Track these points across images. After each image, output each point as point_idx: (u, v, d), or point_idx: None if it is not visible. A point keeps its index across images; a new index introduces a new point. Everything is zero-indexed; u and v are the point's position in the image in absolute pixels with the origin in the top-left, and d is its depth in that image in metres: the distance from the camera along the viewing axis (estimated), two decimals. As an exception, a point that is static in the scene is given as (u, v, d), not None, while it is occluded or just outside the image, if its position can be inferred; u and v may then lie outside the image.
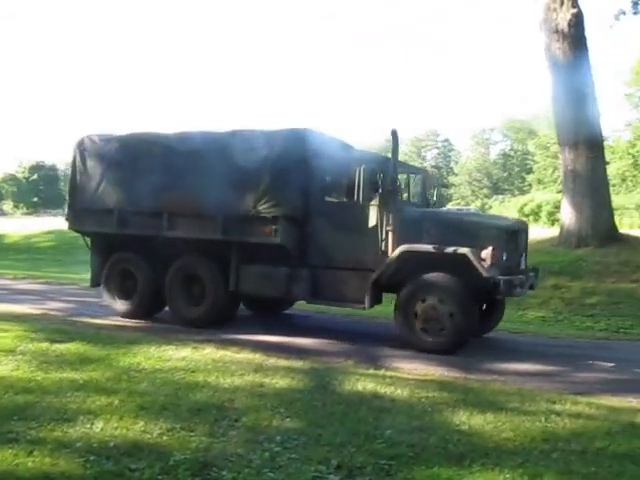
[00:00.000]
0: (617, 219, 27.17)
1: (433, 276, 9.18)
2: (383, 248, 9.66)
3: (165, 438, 4.76)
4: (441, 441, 4.91)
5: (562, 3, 16.57)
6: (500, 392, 6.66)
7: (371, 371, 7.47)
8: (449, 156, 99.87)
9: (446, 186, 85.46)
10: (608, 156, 49.75)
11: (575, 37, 16.51)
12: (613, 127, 74.27)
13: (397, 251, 9.40)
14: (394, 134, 9.80)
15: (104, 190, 11.39)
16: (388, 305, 10.23)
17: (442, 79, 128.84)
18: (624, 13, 22.08)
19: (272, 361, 7.63)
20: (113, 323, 10.75)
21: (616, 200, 38.79)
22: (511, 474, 4.30)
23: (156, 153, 11.07)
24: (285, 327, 11.11)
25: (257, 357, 7.86)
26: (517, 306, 13.38)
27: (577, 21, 16.59)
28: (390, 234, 9.62)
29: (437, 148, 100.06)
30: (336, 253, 10.04)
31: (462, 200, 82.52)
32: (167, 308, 11.25)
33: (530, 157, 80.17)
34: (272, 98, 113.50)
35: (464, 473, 4.31)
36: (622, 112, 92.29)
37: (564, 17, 16.45)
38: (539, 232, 20.62)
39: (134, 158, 11.25)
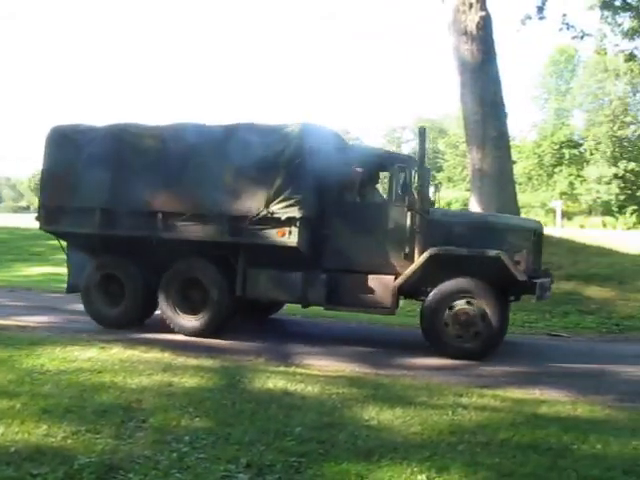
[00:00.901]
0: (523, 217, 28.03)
1: (464, 280, 8.94)
2: (407, 251, 9.29)
3: (69, 441, 4.60)
4: (350, 437, 4.93)
5: (471, 6, 16.89)
6: (409, 387, 6.76)
7: (282, 368, 7.47)
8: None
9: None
10: (515, 155, 51.39)
11: (483, 39, 16.86)
12: (520, 127, 76.69)
13: (426, 254, 9.01)
14: (422, 132, 9.70)
15: (84, 186, 10.22)
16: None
17: (354, 77, 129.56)
18: (530, 18, 22.77)
19: (181, 360, 7.51)
20: (15, 323, 10.25)
21: (522, 198, 40.09)
22: (419, 467, 4.35)
23: (148, 147, 10.15)
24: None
25: (166, 356, 7.72)
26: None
27: (485, 24, 16.94)
28: (417, 236, 9.21)
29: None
30: (354, 256, 9.51)
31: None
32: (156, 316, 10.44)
33: (440, 156, 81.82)
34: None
35: (373, 468, 4.34)
36: (529, 113, 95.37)
37: (472, 19, 16.77)
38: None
39: (121, 151, 10.25)
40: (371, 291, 9.29)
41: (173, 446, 4.59)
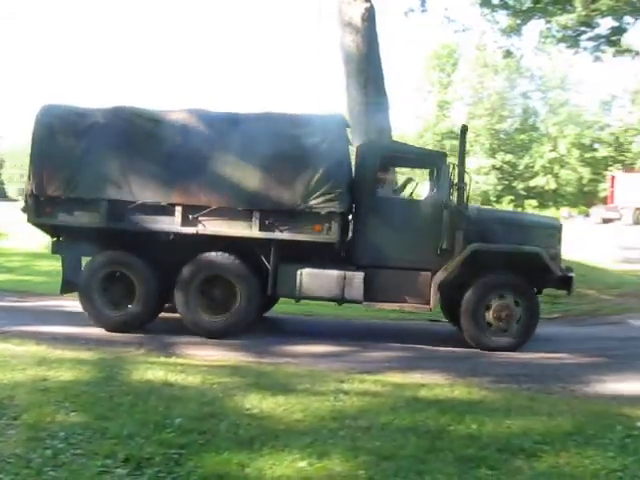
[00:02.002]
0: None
1: (505, 275, 9.25)
2: (444, 247, 9.20)
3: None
4: (232, 426, 4.88)
5: (355, -3, 17.03)
6: (292, 374, 6.77)
7: (162, 359, 7.30)
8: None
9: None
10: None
11: (367, 31, 17.04)
12: (405, 118, 78.34)
13: (467, 250, 9.09)
14: (463, 131, 9.62)
15: (87, 175, 9.20)
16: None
17: (242, 69, 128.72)
18: (413, 10, 23.23)
19: (57, 353, 7.20)
20: None
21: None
22: (300, 454, 4.36)
23: (165, 133, 9.31)
24: (78, 318, 10.08)
25: (41, 349, 7.37)
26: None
27: (369, 15, 17.12)
28: (457, 233, 9.20)
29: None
30: (389, 252, 9.30)
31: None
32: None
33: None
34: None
35: (254, 457, 4.31)
36: (413, 105, 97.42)
37: (357, 11, 16.92)
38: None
39: (132, 137, 9.30)
40: (411, 287, 9.29)
41: (47, 443, 4.39)
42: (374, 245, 9.33)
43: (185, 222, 9.09)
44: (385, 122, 17.16)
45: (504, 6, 26.88)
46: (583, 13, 29.28)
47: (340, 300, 9.51)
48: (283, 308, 11.19)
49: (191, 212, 9.08)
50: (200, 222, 9.12)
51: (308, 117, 9.32)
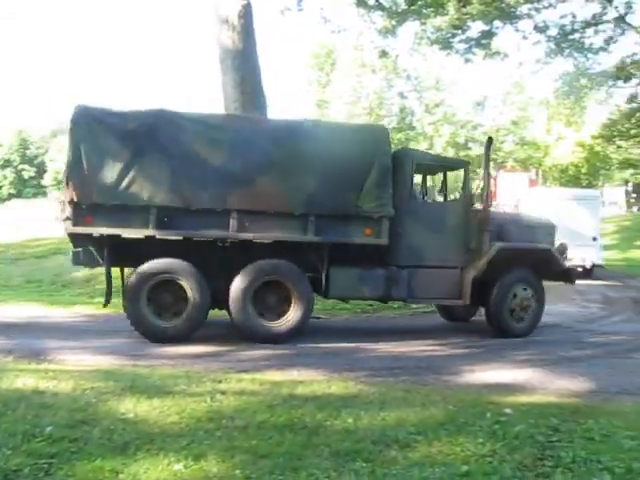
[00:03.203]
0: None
1: (525, 269, 10.51)
2: (472, 246, 10.15)
3: None
4: (105, 432, 4.74)
5: (232, -7, 16.91)
6: (168, 376, 6.64)
7: (32, 366, 7.04)
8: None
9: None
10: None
11: (244, 28, 16.96)
12: (283, 117, 78.46)
13: (494, 249, 10.08)
14: (489, 141, 10.52)
15: (134, 181, 8.81)
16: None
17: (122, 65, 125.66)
18: (289, 9, 23.31)
19: None
20: None
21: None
22: (176, 457, 4.30)
23: (220, 138, 9.14)
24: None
25: None
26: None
27: (246, 12, 17.05)
28: (485, 233, 10.12)
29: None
30: (424, 252, 10.03)
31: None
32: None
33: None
34: None
35: (128, 462, 4.21)
36: (292, 103, 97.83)
37: (233, 7, 16.81)
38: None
39: (182, 142, 9.03)
40: (444, 284, 10.10)
41: None
42: (412, 246, 10.00)
43: (241, 228, 9.08)
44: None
45: (380, 7, 27.46)
46: (455, 16, 30.40)
47: (387, 299, 10.39)
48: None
49: (247, 218, 9.10)
50: (256, 228, 9.16)
51: (359, 126, 10.25)
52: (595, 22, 34.33)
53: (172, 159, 8.95)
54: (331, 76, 64.31)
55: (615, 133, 45.60)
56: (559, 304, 14.31)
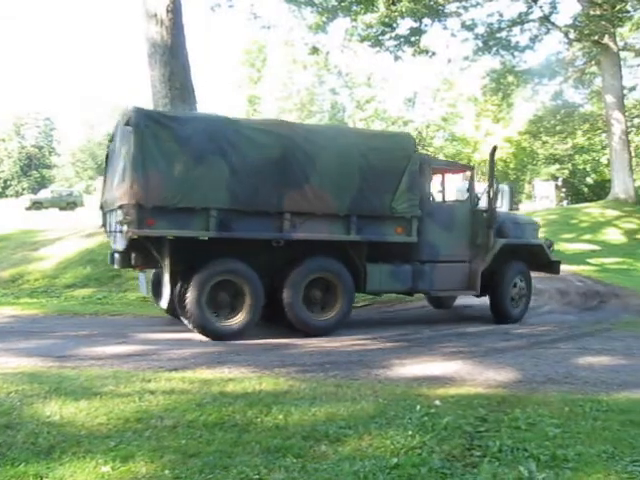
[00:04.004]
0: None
1: (520, 263, 11.95)
2: (479, 242, 11.36)
3: None
4: (30, 436, 4.61)
5: (161, -12, 16.66)
6: (96, 377, 6.49)
7: (-47, 370, 6.77)
8: (51, 135, 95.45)
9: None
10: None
11: (173, 23, 16.74)
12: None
13: (498, 244, 11.40)
14: (493, 150, 11.64)
15: (195, 184, 8.92)
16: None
17: (50, 59, 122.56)
18: (219, 6, 23.18)
19: None
20: None
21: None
22: (103, 459, 4.21)
23: (271, 143, 9.48)
24: None
25: None
26: (118, 288, 13.35)
27: (175, 7, 16.83)
28: (490, 231, 11.33)
29: (38, 127, 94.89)
30: (440, 248, 11.06)
31: (66, 182, 79.72)
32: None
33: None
34: None
35: (54, 466, 4.10)
36: (224, 99, 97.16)
37: (162, 2, 16.57)
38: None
39: (240, 147, 9.28)
40: (457, 276, 11.28)
41: None
42: (430, 243, 10.97)
43: (293, 229, 9.58)
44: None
45: (309, 3, 27.52)
46: (385, 14, 30.68)
47: (413, 292, 11.36)
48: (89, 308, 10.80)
49: (297, 219, 9.61)
50: (307, 228, 9.72)
51: (391, 134, 11.14)
52: (521, 21, 35.19)
53: (229, 163, 9.21)
54: (262, 72, 64.07)
55: (541, 129, 46.82)
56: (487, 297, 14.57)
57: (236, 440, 4.66)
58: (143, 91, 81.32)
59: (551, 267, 12.59)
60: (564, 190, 58.52)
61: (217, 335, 9.35)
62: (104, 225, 11.07)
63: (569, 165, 58.32)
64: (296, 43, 36.10)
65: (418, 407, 5.57)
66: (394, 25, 32.40)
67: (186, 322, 9.63)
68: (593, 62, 38.92)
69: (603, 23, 33.09)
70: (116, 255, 9.87)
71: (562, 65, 40.18)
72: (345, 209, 9.93)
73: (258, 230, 9.43)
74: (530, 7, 34.68)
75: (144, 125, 8.82)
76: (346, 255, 10.27)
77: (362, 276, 10.41)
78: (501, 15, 34.68)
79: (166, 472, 4.09)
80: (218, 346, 8.73)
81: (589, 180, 59.69)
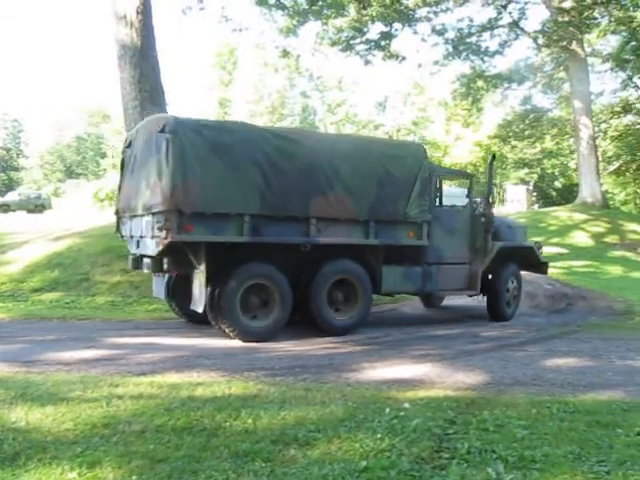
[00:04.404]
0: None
1: (514, 265, 12.76)
2: (477, 245, 12.15)
3: None
4: (-6, 442, 4.55)
5: (130, -11, 16.55)
6: (63, 382, 6.42)
7: None
8: (19, 137, 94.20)
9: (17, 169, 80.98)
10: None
11: (143, 25, 16.63)
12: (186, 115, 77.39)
13: (496, 247, 12.20)
14: (492, 158, 12.82)
15: (231, 190, 9.21)
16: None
17: (18, 60, 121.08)
18: (190, 8, 23.08)
19: None
20: None
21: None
22: (70, 465, 4.17)
23: (301, 152, 9.92)
24: None
25: None
26: (86, 292, 13.21)
27: (145, 8, 16.73)
28: (487, 235, 12.17)
29: (5, 129, 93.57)
30: (444, 251, 11.71)
31: (34, 184, 78.78)
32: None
33: (104, 141, 79.77)
34: None
35: (19, 472, 4.06)
36: (195, 102, 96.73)
37: (132, 4, 16.47)
38: (114, 216, 20.61)
39: (271, 155, 9.63)
40: (458, 277, 11.97)
41: None
42: (436, 246, 11.54)
43: (318, 233, 10.00)
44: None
45: (280, 7, 27.51)
46: (355, 18, 30.80)
47: (422, 292, 12.17)
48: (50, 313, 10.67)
49: (322, 224, 10.04)
50: (329, 232, 10.13)
51: (404, 143, 12.26)
52: (491, 26, 35.54)
53: (261, 170, 9.51)
54: (234, 75, 63.91)
55: (510, 134, 47.23)
56: (457, 299, 14.71)
57: (205, 445, 4.64)
58: (113, 93, 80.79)
59: (540, 268, 13.53)
60: (535, 194, 59.14)
61: (250, 336, 9.62)
62: (118, 230, 11.41)
63: (538, 169, 58.93)
64: (267, 46, 36.01)
65: (387, 410, 5.59)
66: (364, 29, 32.55)
67: (215, 324, 9.90)
68: (561, 68, 39.42)
69: (571, 29, 33.53)
70: (146, 260, 10.00)
71: (531, 70, 40.62)
72: (364, 214, 10.44)
73: (287, 235, 9.80)
74: (500, 13, 35.05)
75: (182, 133, 8.98)
76: (364, 258, 10.78)
77: (378, 278, 10.94)
78: (471, 20, 35.01)
79: (134, 478, 4.06)
80: (187, 350, 8.66)
81: (557, 184, 60.39)
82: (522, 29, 36.04)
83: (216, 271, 9.48)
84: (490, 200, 12.34)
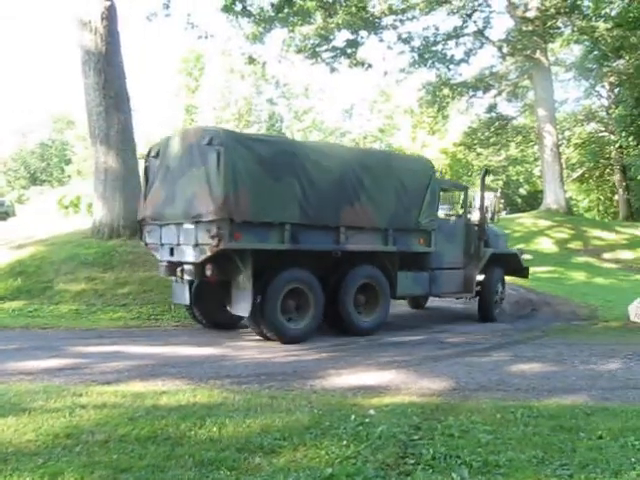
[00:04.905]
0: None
1: (500, 270, 14.00)
2: (471, 252, 13.42)
3: None
4: (-46, 455, 4.46)
5: (94, -5, 16.40)
6: (25, 392, 6.29)
7: None
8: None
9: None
10: (145, 150, 51.41)
11: (107, 30, 16.50)
12: (152, 122, 76.86)
13: (488, 254, 13.49)
14: (484, 173, 14.99)
15: (274, 201, 9.88)
16: None
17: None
18: (156, 15, 22.93)
19: None
20: None
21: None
22: (31, 476, 4.11)
23: (330, 165, 10.64)
24: None
25: None
26: (49, 300, 13.03)
27: (110, 14, 16.60)
28: (480, 242, 13.51)
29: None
30: (444, 257, 12.75)
31: (-3, 191, 77.57)
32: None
33: (69, 148, 78.85)
34: None
35: (-22, 486, 3.99)
36: (162, 108, 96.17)
37: (96, 9, 16.33)
38: (78, 223, 20.45)
39: (308, 168, 10.32)
40: (455, 281, 13.10)
41: None
42: (438, 253, 12.47)
43: (346, 241, 10.77)
44: (127, 124, 16.78)
45: (247, 14, 27.46)
46: (321, 25, 30.89)
47: (428, 295, 13.64)
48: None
49: (350, 232, 10.83)
50: (357, 240, 10.97)
51: (416, 157, 13.13)
52: (456, 35, 35.91)
53: (300, 182, 10.17)
54: (200, 81, 63.61)
55: (475, 141, 47.67)
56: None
57: (169, 454, 4.60)
58: (77, 98, 79.89)
59: (522, 272, 14.90)
60: (502, 201, 59.64)
61: (289, 338, 10.21)
62: (141, 238, 11.59)
63: (503, 176, 59.46)
64: (234, 53, 35.96)
65: (353, 417, 5.59)
66: (331, 37, 32.66)
67: (253, 328, 10.49)
68: (526, 76, 39.90)
69: (535, 38, 34.06)
70: (187, 267, 10.26)
71: (496, 79, 41.08)
72: (385, 223, 11.33)
73: (321, 242, 10.58)
74: (465, 22, 35.44)
75: (232, 145, 9.50)
76: (383, 264, 11.60)
77: (394, 282, 11.80)
78: (437, 29, 35.35)
79: (96, 488, 4.01)
80: (152, 359, 8.57)
81: (522, 191, 61.02)
82: (487, 38, 36.47)
83: (259, 277, 9.98)
84: (482, 210, 13.64)
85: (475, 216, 13.92)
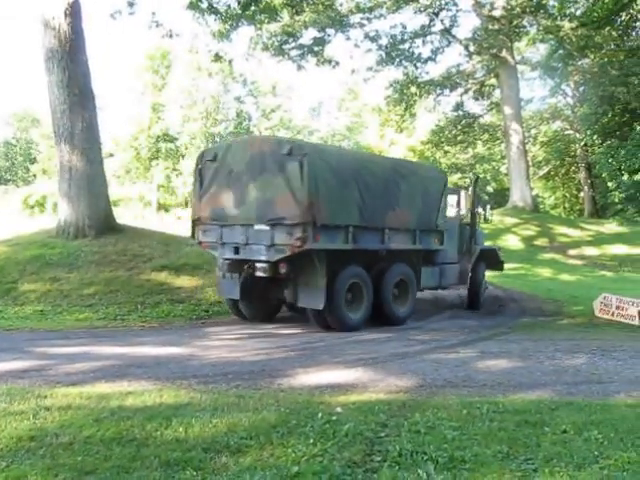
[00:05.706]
0: (120, 210, 28.08)
1: (483, 263, 15.56)
2: (464, 249, 14.92)
3: None
4: None
5: (58, -8, 16.18)
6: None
7: None
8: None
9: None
10: (112, 148, 50.98)
11: (71, 27, 16.28)
12: (118, 120, 76.10)
13: (477, 250, 15.15)
14: (476, 179, 16.86)
15: (342, 206, 11.16)
16: None
17: None
18: (120, 13, 22.67)
19: None
20: None
21: (121, 191, 40.02)
22: (-7, 479, 4.06)
23: (378, 173, 12.08)
24: None
25: None
26: (13, 301, 12.84)
27: (73, 11, 16.40)
28: (472, 240, 15.07)
29: None
30: (446, 253, 13.98)
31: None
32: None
33: (34, 146, 77.78)
34: None
35: (-61, 490, 3.92)
36: (127, 106, 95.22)
37: (59, 5, 16.12)
38: (44, 223, 20.21)
39: (364, 176, 11.64)
40: (453, 275, 14.56)
41: None
42: (443, 250, 13.81)
43: (389, 241, 12.08)
44: (92, 122, 16.61)
45: (213, 11, 27.27)
46: (288, 23, 30.83)
47: (440, 287, 14.58)
48: None
49: (391, 233, 12.12)
50: (394, 240, 12.24)
51: (433, 167, 14.59)
52: (423, 33, 36.14)
53: (359, 189, 11.48)
54: (167, 79, 63.05)
55: (443, 139, 48.00)
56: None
57: (134, 455, 4.57)
58: (41, 96, 78.88)
59: (498, 266, 16.38)
60: (492, 203, 59.98)
61: (350, 328, 11.50)
62: (193, 236, 12.27)
63: (470, 174, 59.93)
64: (200, 50, 35.65)
65: (320, 415, 5.60)
66: (297, 35, 32.63)
67: (316, 319, 11.64)
68: (492, 75, 40.29)
69: (501, 37, 34.37)
70: (260, 265, 11.09)
71: (462, 77, 41.39)
72: (414, 225, 12.70)
73: (372, 242, 11.86)
74: (432, 20, 35.66)
75: (312, 156, 10.70)
76: (411, 260, 13.01)
77: (419, 276, 13.24)
78: (404, 27, 35.54)
79: (60, 491, 3.97)
80: (118, 359, 8.48)
81: (489, 189, 61.53)
82: (454, 36, 36.74)
83: (329, 273, 11.11)
84: (474, 212, 15.34)
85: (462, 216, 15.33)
